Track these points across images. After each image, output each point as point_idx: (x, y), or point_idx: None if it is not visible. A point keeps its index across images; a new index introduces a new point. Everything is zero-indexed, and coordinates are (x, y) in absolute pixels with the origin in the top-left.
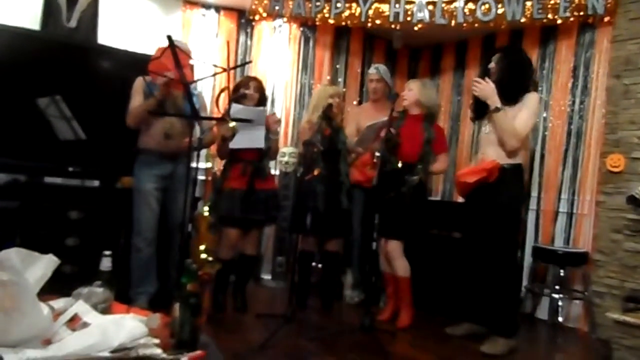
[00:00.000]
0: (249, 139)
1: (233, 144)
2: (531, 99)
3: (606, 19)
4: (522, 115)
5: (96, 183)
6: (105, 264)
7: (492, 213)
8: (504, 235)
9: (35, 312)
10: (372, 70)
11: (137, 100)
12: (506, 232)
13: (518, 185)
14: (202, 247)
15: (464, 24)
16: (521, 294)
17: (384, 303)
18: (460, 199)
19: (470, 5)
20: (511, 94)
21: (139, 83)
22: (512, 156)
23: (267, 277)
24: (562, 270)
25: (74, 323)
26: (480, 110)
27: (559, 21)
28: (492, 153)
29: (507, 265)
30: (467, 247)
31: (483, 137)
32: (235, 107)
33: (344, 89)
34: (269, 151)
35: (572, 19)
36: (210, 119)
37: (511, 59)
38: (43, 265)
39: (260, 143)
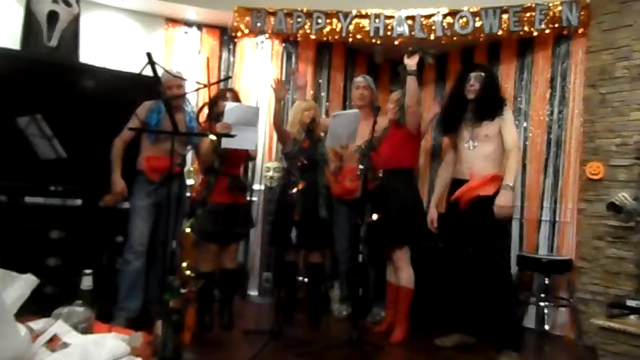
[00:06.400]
0: (239, 139)
1: (224, 143)
2: (509, 115)
3: (580, 30)
4: (509, 132)
5: (78, 202)
6: (86, 282)
7: (492, 223)
8: (503, 246)
9: (12, 333)
10: (359, 79)
11: (126, 132)
12: (504, 242)
13: None
14: (184, 264)
15: (443, 38)
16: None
17: (372, 317)
18: (442, 210)
19: (449, 19)
20: (491, 111)
21: (142, 109)
22: (501, 169)
23: (253, 293)
24: (547, 279)
25: (54, 344)
26: (451, 124)
27: (535, 33)
28: (481, 167)
29: (508, 275)
30: (461, 258)
31: (468, 153)
32: (230, 104)
33: (327, 103)
34: (251, 153)
35: (547, 31)
36: (192, 134)
37: (492, 80)
38: (21, 285)
39: (251, 145)
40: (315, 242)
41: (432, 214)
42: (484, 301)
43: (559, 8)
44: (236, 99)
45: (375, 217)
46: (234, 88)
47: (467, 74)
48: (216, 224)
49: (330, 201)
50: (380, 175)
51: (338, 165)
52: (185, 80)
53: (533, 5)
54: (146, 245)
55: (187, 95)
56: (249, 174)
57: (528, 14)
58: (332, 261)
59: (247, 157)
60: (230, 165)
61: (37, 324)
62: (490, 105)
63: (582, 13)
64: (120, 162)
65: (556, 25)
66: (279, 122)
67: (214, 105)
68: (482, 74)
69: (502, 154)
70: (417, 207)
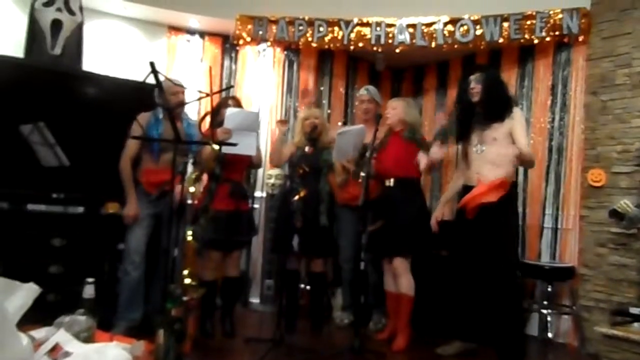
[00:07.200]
0: (240, 144)
1: (225, 149)
2: (519, 115)
3: (581, 38)
4: (520, 133)
5: (80, 209)
6: (88, 291)
7: (502, 230)
8: (510, 256)
9: (15, 342)
10: (362, 92)
11: (132, 143)
12: (511, 252)
13: (517, 202)
14: (185, 272)
15: (444, 45)
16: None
17: (374, 325)
18: (447, 217)
19: (450, 27)
20: (499, 112)
21: (139, 121)
22: (510, 174)
23: (255, 300)
24: (549, 286)
25: (55, 353)
26: (463, 131)
27: (536, 41)
28: (488, 172)
29: (514, 283)
30: (465, 266)
31: (476, 157)
32: (231, 110)
33: (329, 111)
34: (254, 159)
35: (548, 38)
36: (194, 143)
37: (493, 78)
38: (23, 294)
39: (252, 150)
40: (316, 250)
41: (437, 214)
42: (487, 310)
43: (560, 16)
44: (238, 106)
45: (375, 225)
46: (236, 96)
47: (467, 78)
48: (218, 231)
49: (332, 209)
50: (391, 184)
51: (344, 178)
52: (185, 88)
53: (534, 13)
54: (143, 254)
55: (188, 104)
56: (251, 180)
57: (529, 22)
58: (335, 269)
59: (249, 163)
60: (231, 172)
61: (39, 333)
62: (496, 105)
63: (583, 21)
64: (132, 183)
65: (557, 33)
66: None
67: (217, 113)
68: (482, 74)
69: (512, 157)
70: (422, 217)
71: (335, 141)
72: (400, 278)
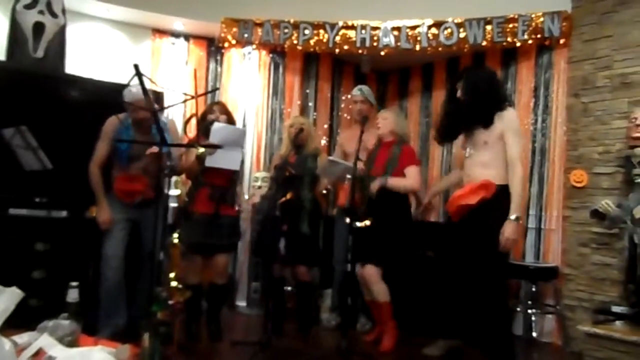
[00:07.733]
0: (224, 159)
1: (209, 162)
2: (511, 119)
3: (562, 41)
4: (511, 141)
5: (64, 213)
6: (72, 295)
7: (486, 232)
8: (497, 255)
9: None
10: (355, 92)
11: (101, 147)
12: (495, 254)
13: (507, 204)
14: (171, 275)
15: (428, 48)
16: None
17: (362, 326)
18: (433, 219)
19: (434, 30)
20: (484, 116)
21: (109, 125)
22: (500, 177)
23: (242, 303)
24: (533, 286)
25: (39, 357)
26: (451, 133)
27: (518, 44)
28: (479, 174)
29: (501, 286)
30: (453, 267)
31: (467, 161)
32: (217, 125)
33: (315, 113)
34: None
35: (530, 41)
36: (180, 145)
37: (474, 79)
38: (5, 299)
39: (235, 165)
40: (299, 257)
41: (425, 201)
42: (472, 310)
43: (541, 19)
44: (224, 111)
45: (363, 223)
46: (221, 101)
47: (456, 81)
48: (197, 234)
49: (317, 217)
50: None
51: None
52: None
53: (516, 17)
54: (122, 258)
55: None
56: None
57: (511, 25)
58: (322, 272)
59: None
60: (214, 176)
61: (21, 338)
62: (478, 108)
63: (564, 24)
64: (101, 188)
65: (538, 35)
66: None
67: (203, 119)
68: (465, 78)
69: (505, 161)
70: (401, 229)
71: (325, 164)
72: (373, 286)
